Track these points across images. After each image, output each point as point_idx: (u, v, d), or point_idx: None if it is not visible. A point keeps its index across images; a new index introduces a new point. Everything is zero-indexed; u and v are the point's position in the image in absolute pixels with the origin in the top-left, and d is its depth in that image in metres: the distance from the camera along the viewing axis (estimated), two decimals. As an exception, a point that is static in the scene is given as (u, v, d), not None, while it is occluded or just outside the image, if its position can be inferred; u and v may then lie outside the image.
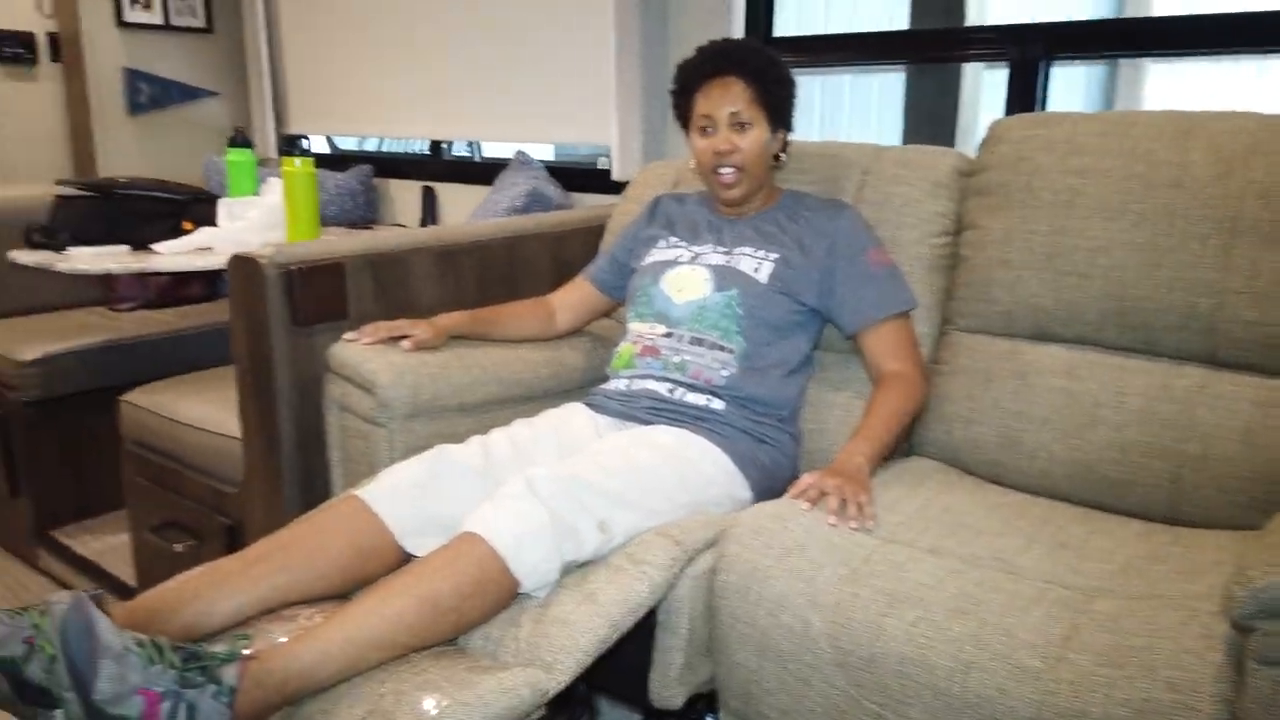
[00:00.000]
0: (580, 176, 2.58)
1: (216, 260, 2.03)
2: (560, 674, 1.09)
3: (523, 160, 2.58)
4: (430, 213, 2.96)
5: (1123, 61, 4.22)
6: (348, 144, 3.51)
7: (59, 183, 2.35)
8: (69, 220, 2.20)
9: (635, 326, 1.63)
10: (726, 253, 1.61)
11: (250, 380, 1.68)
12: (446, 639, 1.14)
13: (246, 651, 1.05)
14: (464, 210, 2.81)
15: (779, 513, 1.27)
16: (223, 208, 2.25)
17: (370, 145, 3.57)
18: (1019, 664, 1.02)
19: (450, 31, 2.79)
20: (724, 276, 1.57)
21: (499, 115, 2.73)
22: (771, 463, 1.52)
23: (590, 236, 2.09)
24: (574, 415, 1.55)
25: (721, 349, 1.54)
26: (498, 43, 2.67)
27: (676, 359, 1.55)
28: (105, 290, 2.82)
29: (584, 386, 1.76)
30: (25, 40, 3.23)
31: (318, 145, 3.44)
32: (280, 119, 3.37)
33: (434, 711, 1.01)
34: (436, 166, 3.05)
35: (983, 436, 1.54)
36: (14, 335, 2.47)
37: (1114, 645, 1.00)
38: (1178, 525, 1.36)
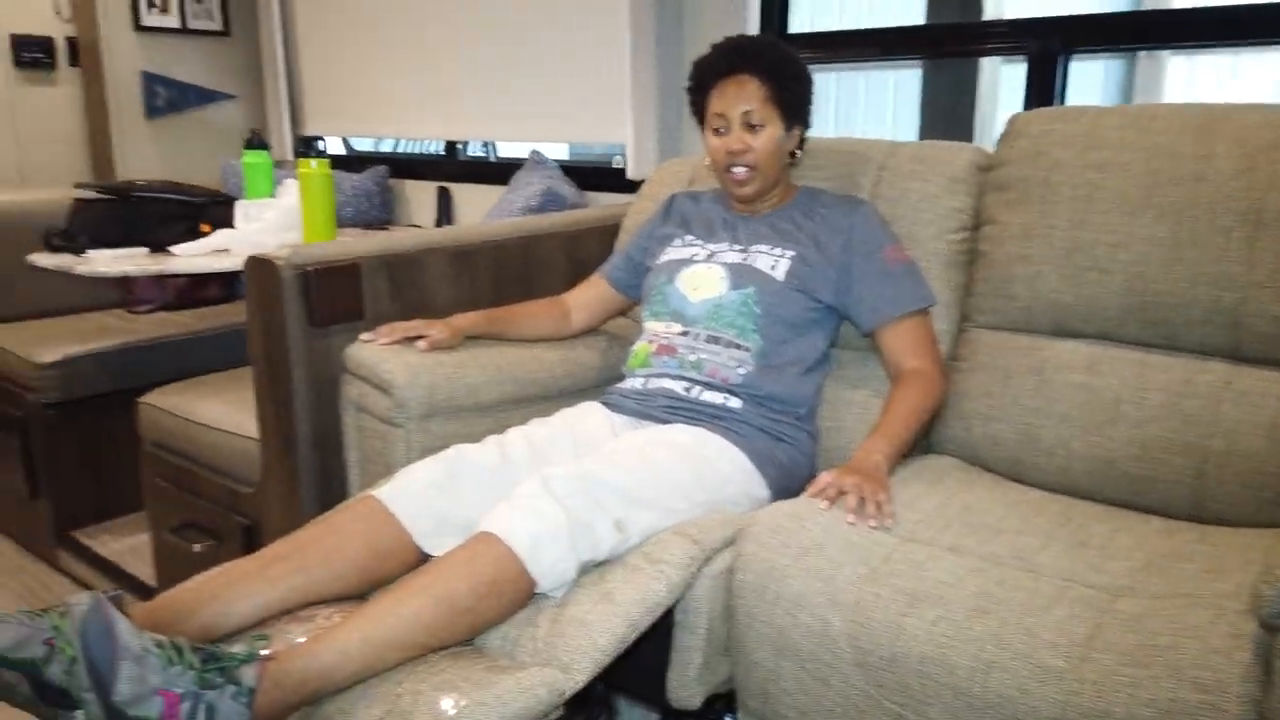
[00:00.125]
0: (595, 175, 2.58)
1: (233, 262, 2.04)
2: (578, 674, 1.08)
3: (537, 160, 2.58)
4: (446, 213, 2.97)
5: (1141, 55, 4.18)
6: (363, 145, 3.52)
7: (78, 186, 2.36)
8: (88, 223, 2.22)
9: (651, 325, 1.62)
10: (742, 250, 1.60)
11: (267, 381, 1.68)
12: (464, 639, 1.14)
13: (265, 652, 1.05)
14: (479, 210, 2.81)
15: (797, 511, 1.26)
16: (239, 209, 2.26)
17: (386, 146, 3.58)
18: (1041, 664, 1.01)
19: (464, 32, 2.79)
20: (740, 274, 1.56)
21: (514, 115, 2.73)
22: (789, 461, 1.51)
23: (605, 235, 2.09)
24: (590, 414, 1.54)
25: (738, 347, 1.53)
26: (512, 43, 2.67)
27: (693, 357, 1.54)
28: (124, 293, 2.84)
29: (599, 386, 1.75)
30: (44, 45, 3.26)
31: (333, 147, 3.45)
32: (296, 121, 3.38)
33: (452, 711, 1.00)
34: (452, 167, 3.05)
35: (1002, 433, 1.52)
36: (34, 338, 2.49)
37: (1139, 644, 0.99)
38: (1201, 522, 1.35)
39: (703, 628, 1.22)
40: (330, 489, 1.72)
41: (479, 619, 1.13)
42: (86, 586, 2.35)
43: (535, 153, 2.61)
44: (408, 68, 2.98)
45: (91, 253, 2.14)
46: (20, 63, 3.22)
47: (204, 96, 3.36)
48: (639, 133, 2.35)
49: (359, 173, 2.99)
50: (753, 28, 2.24)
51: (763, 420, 1.51)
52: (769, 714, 1.22)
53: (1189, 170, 1.41)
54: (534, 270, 2.01)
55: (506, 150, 3.07)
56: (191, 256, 2.12)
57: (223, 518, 1.93)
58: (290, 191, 2.22)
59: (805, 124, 1.63)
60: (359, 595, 1.24)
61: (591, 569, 1.21)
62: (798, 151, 1.64)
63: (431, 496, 1.29)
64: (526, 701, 1.04)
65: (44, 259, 2.15)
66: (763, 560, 1.21)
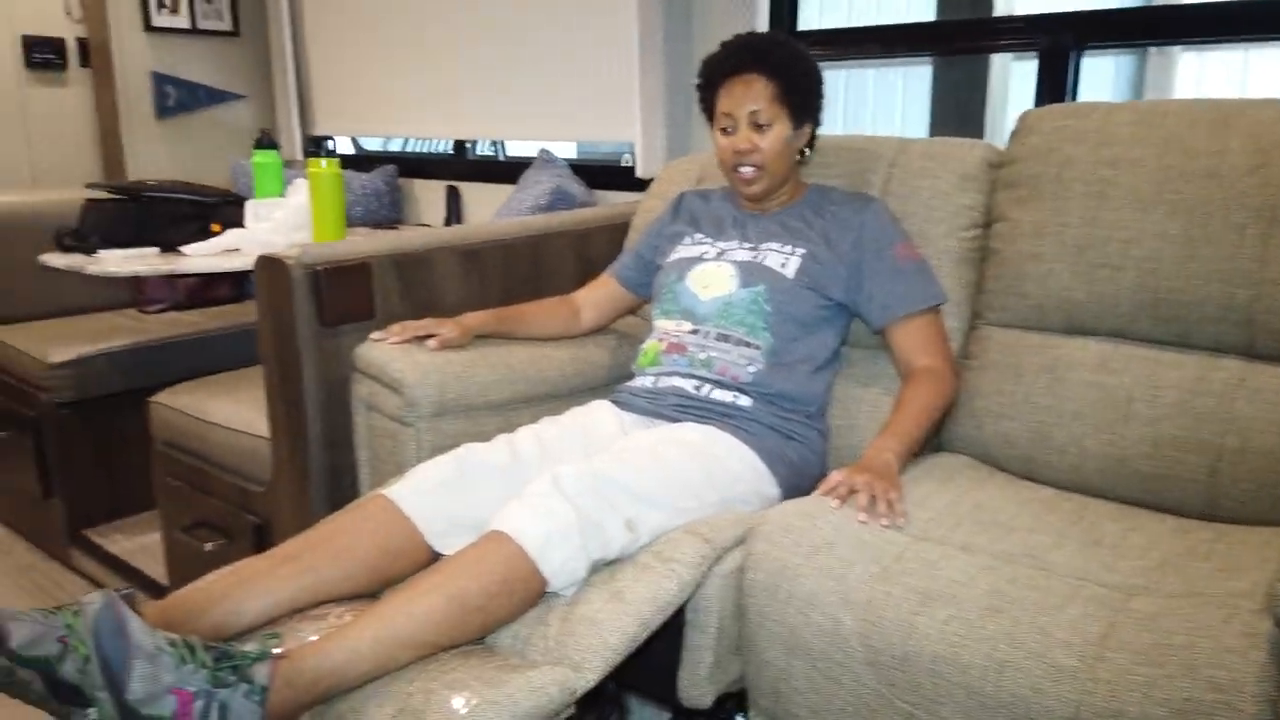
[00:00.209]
0: (604, 174, 2.57)
1: (244, 261, 2.05)
2: (589, 673, 1.08)
3: (546, 158, 2.58)
4: (455, 212, 2.97)
5: (1152, 50, 4.16)
6: (372, 145, 3.53)
7: (89, 186, 2.37)
8: (99, 223, 2.22)
9: (661, 323, 1.62)
10: (752, 248, 1.60)
11: (278, 380, 1.69)
12: (475, 638, 1.14)
13: (277, 650, 1.05)
14: (488, 209, 2.81)
15: (808, 510, 1.25)
16: (250, 209, 2.26)
17: (395, 145, 3.58)
18: (1054, 663, 1.00)
19: (473, 31, 2.79)
20: (750, 272, 1.56)
21: (522, 114, 2.73)
22: (799, 459, 1.50)
23: (615, 234, 2.08)
24: (600, 413, 1.54)
25: (748, 345, 1.53)
26: (520, 42, 2.67)
27: (703, 356, 1.54)
28: (135, 292, 2.85)
29: (609, 384, 1.75)
30: (55, 46, 3.27)
31: (343, 146, 3.46)
32: (306, 121, 3.39)
33: (463, 710, 1.00)
34: (460, 166, 3.05)
35: (1013, 432, 1.52)
36: (46, 338, 2.51)
37: (1153, 644, 0.98)
38: (1214, 521, 1.34)
39: (714, 626, 1.22)
40: (341, 488, 1.72)
41: (490, 617, 1.13)
42: (99, 585, 2.36)
43: (544, 151, 2.61)
44: (417, 67, 2.98)
45: (103, 253, 2.15)
46: (32, 63, 3.23)
47: (214, 96, 3.37)
48: (648, 131, 2.35)
49: (368, 172, 3.00)
50: (762, 24, 2.24)
51: (773, 419, 1.50)
52: (780, 713, 1.22)
53: (1202, 166, 1.40)
54: (543, 269, 2.01)
55: (515, 149, 3.08)
56: (202, 256, 2.13)
57: (234, 516, 1.94)
58: (300, 191, 2.22)
59: (815, 121, 1.62)
60: (370, 594, 1.24)
61: (602, 568, 1.21)
62: (806, 150, 1.63)
63: (442, 495, 1.29)
64: (538, 700, 1.04)
65: (56, 259, 2.16)
66: (774, 559, 1.20)
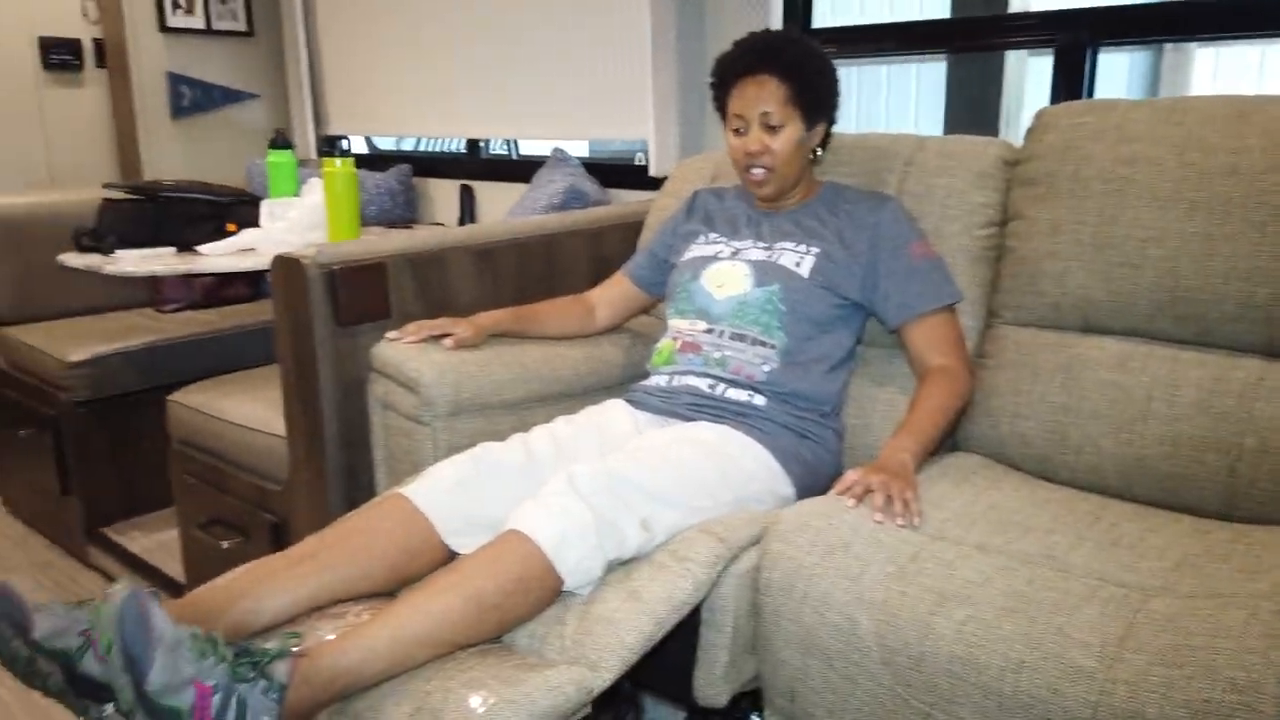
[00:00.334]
0: (617, 173, 2.58)
1: (260, 261, 2.06)
2: (605, 672, 1.08)
3: (560, 157, 2.58)
4: (468, 211, 2.98)
5: (1167, 46, 4.13)
6: (386, 144, 3.54)
7: (106, 186, 2.39)
8: (116, 223, 2.24)
9: (676, 323, 1.62)
10: (767, 248, 1.60)
11: (294, 379, 1.69)
12: (492, 637, 1.15)
13: (297, 649, 1.06)
14: (502, 208, 2.82)
15: (823, 509, 1.25)
16: (265, 209, 2.27)
17: (408, 145, 3.59)
18: (1072, 664, 1.00)
19: (486, 31, 2.80)
20: (765, 271, 1.56)
21: (535, 113, 2.73)
22: (814, 459, 1.50)
23: (628, 233, 2.09)
24: (615, 412, 1.54)
25: (763, 344, 1.52)
26: (533, 40, 2.67)
27: (717, 355, 1.54)
28: (151, 292, 2.87)
29: (624, 383, 1.75)
30: (72, 47, 3.29)
31: (357, 146, 3.47)
32: (320, 120, 3.40)
33: (480, 709, 1.01)
34: (474, 165, 3.06)
35: (1030, 431, 1.51)
36: (64, 337, 2.53)
37: (1172, 645, 0.98)
38: (1234, 521, 1.33)
39: (729, 626, 1.22)
40: (357, 486, 1.73)
41: (507, 616, 1.14)
42: (116, 582, 2.37)
43: (557, 150, 2.61)
44: (430, 67, 2.99)
45: (120, 252, 2.17)
46: (49, 64, 3.25)
47: (229, 96, 3.39)
48: (661, 129, 2.35)
49: (382, 171, 3.01)
50: (775, 22, 2.23)
51: (788, 418, 1.50)
52: (796, 712, 1.22)
53: (1222, 164, 1.39)
54: (557, 268, 2.01)
55: (528, 148, 3.08)
56: (218, 256, 2.14)
57: (251, 515, 1.95)
58: (315, 190, 2.23)
59: (830, 120, 1.62)
60: (387, 593, 1.25)
61: (618, 567, 1.21)
62: (819, 150, 1.63)
63: (459, 494, 1.29)
64: (554, 699, 1.04)
65: (73, 259, 2.18)
66: (789, 558, 1.20)
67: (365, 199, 2.87)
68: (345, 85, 3.30)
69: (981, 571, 1.13)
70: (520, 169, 2.80)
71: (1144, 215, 1.44)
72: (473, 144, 3.08)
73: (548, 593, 1.15)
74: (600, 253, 2.07)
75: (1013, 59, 3.03)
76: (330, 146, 2.14)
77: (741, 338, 1.53)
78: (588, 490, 1.20)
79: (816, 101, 1.55)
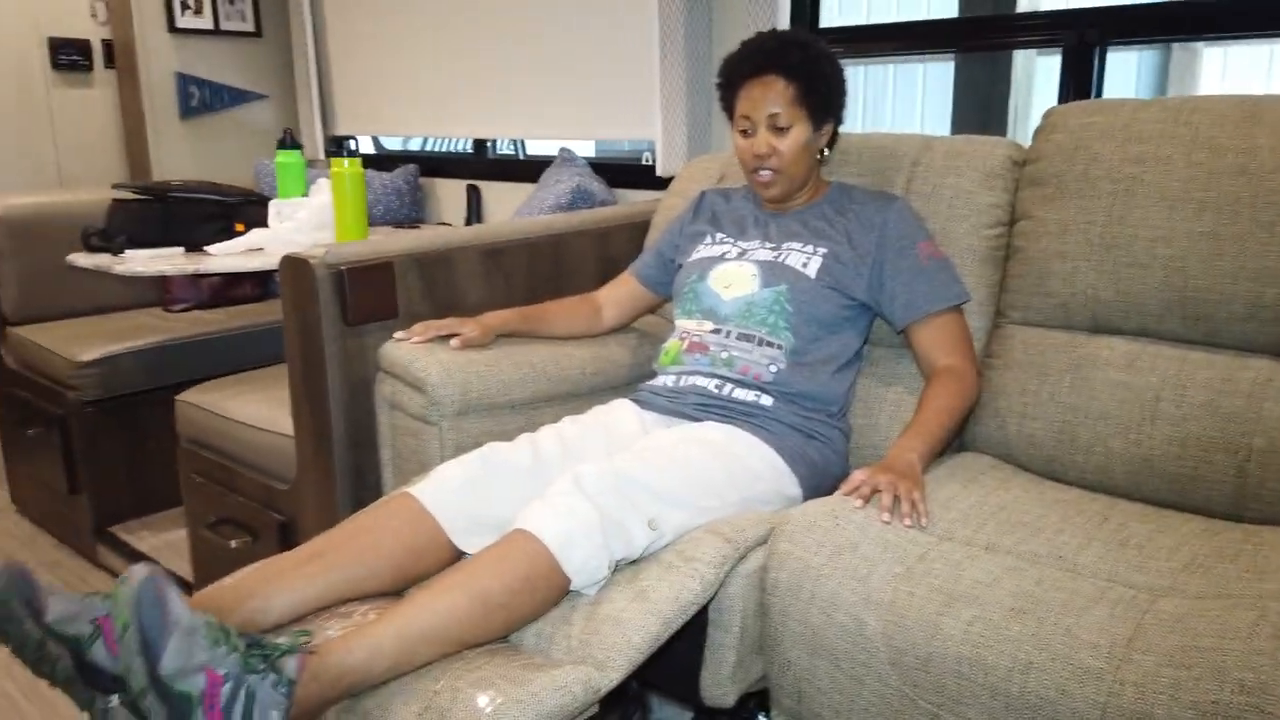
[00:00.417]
0: (624, 172, 2.58)
1: (268, 261, 2.06)
2: (612, 672, 1.09)
3: (567, 157, 2.58)
4: (475, 211, 2.98)
5: (1175, 45, 4.11)
6: (394, 144, 3.54)
7: (115, 186, 2.40)
8: (125, 223, 2.25)
9: (683, 323, 1.62)
10: (774, 248, 1.59)
11: (302, 379, 1.70)
12: (498, 636, 1.15)
13: (308, 645, 1.06)
14: (509, 208, 2.82)
15: (831, 510, 1.25)
16: (273, 209, 2.28)
17: (415, 145, 3.60)
18: (1081, 664, 1.00)
19: (493, 30, 2.80)
20: (772, 272, 1.56)
21: (542, 113, 2.73)
22: (821, 459, 1.50)
23: (635, 233, 2.09)
24: (621, 412, 1.54)
25: (770, 345, 1.52)
26: (540, 40, 2.68)
27: (724, 355, 1.54)
28: (160, 292, 2.88)
29: (631, 383, 1.75)
30: (81, 48, 3.31)
31: (364, 146, 3.48)
32: (327, 120, 3.41)
33: (488, 708, 1.01)
34: (481, 165, 3.06)
35: (1038, 431, 1.51)
36: (73, 336, 2.54)
37: (1180, 646, 0.97)
38: (1242, 522, 1.32)
39: (736, 626, 1.22)
40: (365, 486, 1.73)
41: (513, 615, 1.14)
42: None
43: (564, 150, 2.61)
44: (437, 67, 3.00)
45: (129, 252, 2.17)
46: (58, 65, 3.27)
47: (237, 97, 3.40)
48: (668, 129, 2.35)
49: (389, 171, 3.01)
50: (783, 21, 2.23)
51: (795, 418, 1.50)
52: (803, 713, 1.22)
53: (1231, 163, 1.38)
54: (564, 268, 2.01)
55: (535, 148, 3.08)
56: (226, 256, 2.15)
57: (259, 514, 1.95)
58: (322, 190, 2.24)
59: (837, 120, 1.62)
60: (395, 592, 1.25)
61: (625, 567, 1.21)
62: (826, 150, 1.63)
63: (466, 494, 1.29)
64: (561, 699, 1.04)
65: (82, 259, 2.19)
66: (797, 559, 1.20)
67: (373, 199, 2.88)
68: (353, 86, 3.31)
69: (989, 572, 1.13)
70: (527, 169, 2.80)
71: (1152, 215, 1.43)
72: (480, 144, 3.09)
73: (554, 592, 1.15)
74: (607, 253, 2.08)
75: (1021, 59, 3.02)
76: (338, 147, 2.14)
77: (748, 338, 1.53)
78: (594, 490, 1.20)
79: (823, 102, 1.55)
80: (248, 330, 2.68)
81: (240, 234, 2.25)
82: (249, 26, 3.40)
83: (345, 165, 2.13)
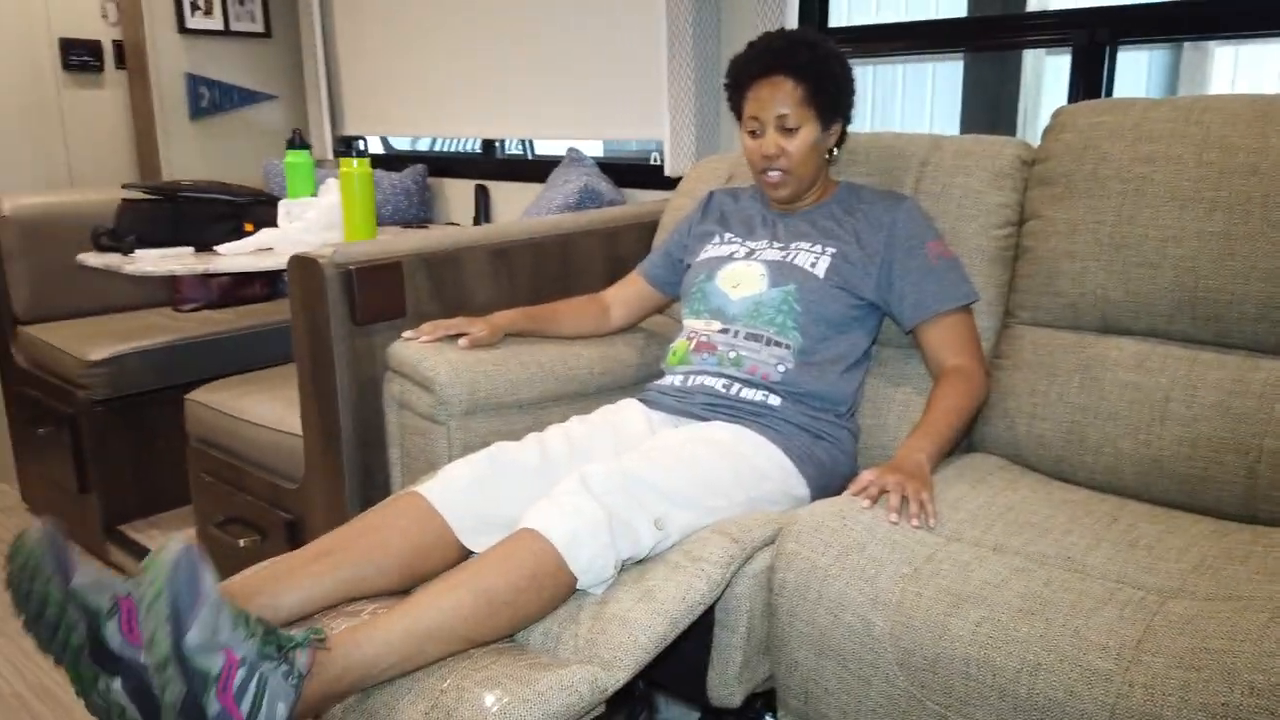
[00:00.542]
0: (633, 172, 2.58)
1: (277, 261, 2.07)
2: (619, 672, 1.08)
3: (575, 157, 2.58)
4: (484, 211, 2.99)
5: (1186, 44, 4.10)
6: (402, 144, 3.55)
7: (125, 186, 2.41)
8: (134, 223, 2.26)
9: (691, 323, 1.62)
10: (783, 248, 1.59)
11: (311, 378, 1.70)
12: (504, 634, 1.15)
13: (320, 642, 1.06)
14: (517, 208, 2.82)
15: (838, 510, 1.25)
16: (282, 209, 2.29)
17: (424, 145, 3.60)
18: (1089, 666, 0.99)
19: (501, 31, 2.80)
20: (780, 272, 1.55)
21: (551, 113, 2.74)
22: (829, 459, 1.50)
23: (643, 233, 2.09)
24: (629, 412, 1.54)
25: (778, 344, 1.52)
26: (549, 41, 2.68)
27: (732, 355, 1.53)
28: (170, 291, 2.89)
29: (638, 383, 1.76)
30: (91, 48, 3.32)
31: (373, 146, 3.49)
32: (336, 121, 3.42)
33: (494, 707, 1.01)
34: (489, 165, 3.07)
35: (1047, 432, 1.50)
36: (83, 336, 2.55)
37: (1190, 647, 0.97)
38: (1253, 523, 1.32)
39: (743, 626, 1.22)
40: (373, 485, 1.74)
41: (519, 613, 1.14)
42: (135, 579, 2.39)
43: (573, 150, 2.61)
44: (445, 67, 3.00)
45: (139, 252, 2.18)
46: (69, 65, 3.28)
47: (246, 97, 3.41)
48: (676, 129, 2.35)
49: (398, 171, 3.02)
50: (791, 21, 2.22)
51: (803, 418, 1.50)
52: (810, 713, 1.21)
53: (1242, 163, 1.37)
54: (572, 268, 2.01)
55: (544, 148, 3.08)
56: (236, 255, 2.16)
57: (267, 513, 1.96)
58: (331, 190, 2.25)
59: (846, 119, 1.61)
60: (403, 591, 1.25)
61: (632, 567, 1.21)
62: (835, 150, 1.63)
63: (474, 493, 1.29)
64: (568, 699, 1.04)
65: (92, 259, 2.20)
66: (804, 559, 1.20)
67: (381, 199, 2.88)
68: (362, 86, 3.32)
69: (998, 573, 1.13)
70: (535, 169, 2.80)
71: (1163, 215, 1.43)
72: (488, 144, 3.09)
73: (561, 590, 1.15)
74: (615, 252, 2.08)
75: (1030, 58, 3.01)
76: (347, 147, 2.16)
77: (756, 338, 1.53)
78: (601, 490, 1.20)
79: (832, 101, 1.55)
80: (257, 330, 2.69)
81: (249, 234, 2.26)
82: (258, 27, 3.41)
83: (354, 165, 2.13)
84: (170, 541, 0.99)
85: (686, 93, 2.31)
